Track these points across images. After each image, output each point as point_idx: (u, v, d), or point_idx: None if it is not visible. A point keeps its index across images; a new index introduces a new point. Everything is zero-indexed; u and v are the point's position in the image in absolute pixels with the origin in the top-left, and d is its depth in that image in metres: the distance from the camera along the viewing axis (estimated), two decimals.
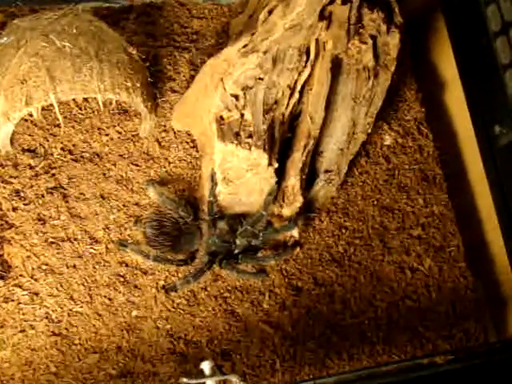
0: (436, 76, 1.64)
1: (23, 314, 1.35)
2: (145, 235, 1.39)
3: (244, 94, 1.33)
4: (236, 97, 1.33)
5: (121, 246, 1.39)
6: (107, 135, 1.47)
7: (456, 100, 1.58)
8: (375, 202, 1.54)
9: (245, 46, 1.33)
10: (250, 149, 1.32)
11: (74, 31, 1.35)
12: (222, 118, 1.33)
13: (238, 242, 1.42)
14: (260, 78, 1.34)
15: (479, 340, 1.47)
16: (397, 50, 1.41)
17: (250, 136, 1.33)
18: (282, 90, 1.36)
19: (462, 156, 1.60)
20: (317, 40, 1.35)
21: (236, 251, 1.42)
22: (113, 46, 1.38)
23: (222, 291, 1.43)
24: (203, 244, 1.41)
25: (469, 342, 1.47)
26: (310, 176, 1.45)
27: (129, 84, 1.36)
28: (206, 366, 1.18)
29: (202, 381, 1.17)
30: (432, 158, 1.60)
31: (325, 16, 1.33)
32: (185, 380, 1.17)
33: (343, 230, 1.51)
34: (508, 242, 1.44)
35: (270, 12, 1.31)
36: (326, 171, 1.46)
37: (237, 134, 1.33)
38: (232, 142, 1.32)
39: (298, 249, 1.47)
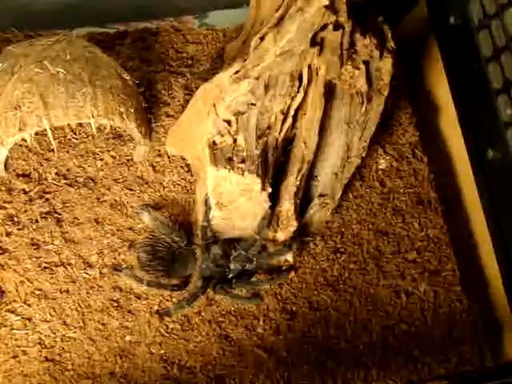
0: (430, 100, 1.65)
1: (16, 340, 1.35)
2: (139, 260, 1.39)
3: (236, 119, 1.33)
4: (228, 122, 1.34)
5: (115, 271, 1.39)
6: (101, 160, 1.48)
7: (450, 124, 1.59)
8: (370, 226, 1.54)
9: (236, 72, 1.33)
10: (242, 174, 1.32)
11: (68, 57, 1.35)
12: (214, 143, 1.33)
13: (231, 266, 1.41)
14: (252, 104, 1.34)
15: (475, 364, 1.46)
16: (390, 75, 1.41)
17: (243, 161, 1.32)
18: (274, 115, 1.36)
19: (457, 179, 1.60)
20: (309, 66, 1.35)
21: (230, 276, 1.42)
22: (107, 72, 1.38)
23: (216, 316, 1.42)
24: (197, 268, 1.41)
25: (464, 366, 1.46)
26: (304, 200, 1.45)
27: (122, 109, 1.37)
28: None
29: None
30: (427, 181, 1.60)
31: (317, 42, 1.33)
32: None
33: (338, 254, 1.51)
34: (503, 266, 1.43)
35: (262, 38, 1.32)
36: (321, 195, 1.46)
37: (230, 159, 1.33)
38: (225, 167, 1.31)
39: (292, 273, 1.47)
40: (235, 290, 1.42)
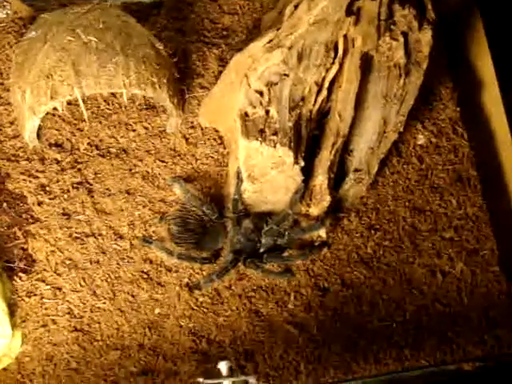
0: (472, 75, 1.60)
1: (45, 309, 1.35)
2: (169, 232, 1.37)
3: (268, 90, 1.31)
4: (260, 93, 1.31)
5: (145, 243, 1.38)
6: (134, 131, 1.46)
7: (493, 100, 1.54)
8: (406, 203, 1.51)
9: (270, 42, 1.31)
10: (274, 146, 1.30)
11: (101, 26, 1.34)
12: (246, 114, 1.31)
13: (263, 240, 1.39)
14: (285, 74, 1.31)
15: None
16: (429, 48, 1.37)
17: (275, 133, 1.30)
18: (309, 86, 1.33)
19: (498, 157, 1.55)
20: (345, 36, 1.32)
21: (261, 250, 1.40)
22: (139, 41, 1.37)
23: (246, 290, 1.41)
24: (228, 242, 1.40)
25: (501, 349, 1.43)
26: (339, 175, 1.42)
27: (155, 79, 1.35)
28: (223, 366, 1.17)
29: (218, 381, 1.15)
30: (467, 158, 1.56)
31: (353, 11, 1.30)
32: (201, 380, 1.15)
33: (373, 231, 1.48)
34: None
35: (296, 7, 1.29)
36: (356, 170, 1.43)
37: (261, 131, 1.30)
38: (256, 139, 1.29)
39: (325, 249, 1.44)
40: (266, 265, 1.40)
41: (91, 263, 1.38)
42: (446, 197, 1.52)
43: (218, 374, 1.23)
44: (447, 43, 1.60)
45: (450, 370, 1.32)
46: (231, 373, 1.18)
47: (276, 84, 1.32)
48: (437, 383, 1.36)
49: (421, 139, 1.56)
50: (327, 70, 1.33)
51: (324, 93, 1.35)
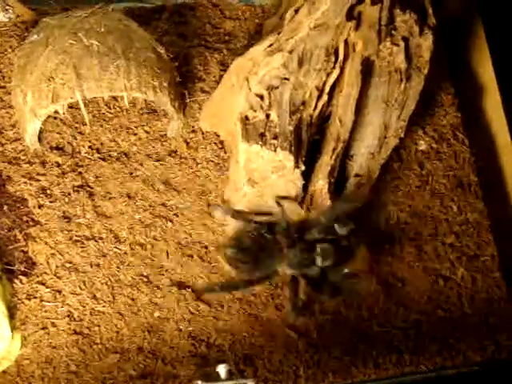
0: (473, 80, 1.60)
1: (45, 312, 1.35)
2: (225, 256, 1.35)
3: (269, 94, 1.31)
4: (261, 97, 1.32)
5: (207, 292, 1.38)
6: (135, 135, 1.47)
7: (493, 106, 1.54)
8: (407, 208, 1.51)
9: (270, 45, 1.31)
10: (275, 150, 1.30)
11: (102, 29, 1.35)
12: (247, 118, 1.32)
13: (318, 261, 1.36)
14: (286, 78, 1.32)
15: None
16: (430, 53, 1.38)
17: (276, 137, 1.30)
18: (309, 91, 1.33)
19: (499, 163, 1.55)
20: (346, 41, 1.32)
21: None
22: (141, 45, 1.37)
23: (246, 295, 1.41)
24: (284, 258, 1.36)
25: (501, 354, 1.42)
26: (340, 180, 1.42)
27: (156, 83, 1.36)
28: (221, 369, 1.17)
29: None
30: (468, 164, 1.56)
31: (353, 16, 1.30)
32: (200, 383, 1.15)
33: None
34: None
35: (297, 11, 1.30)
36: (357, 175, 1.43)
37: (262, 135, 1.31)
38: (257, 143, 1.30)
39: None
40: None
41: (91, 266, 1.39)
42: (447, 202, 1.52)
43: (216, 378, 1.23)
44: (448, 49, 1.61)
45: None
46: (230, 376, 1.18)
47: (277, 88, 1.32)
48: None
49: (422, 145, 1.56)
50: (328, 75, 1.34)
51: (324, 97, 1.35)
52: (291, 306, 1.36)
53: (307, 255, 1.35)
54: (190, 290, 1.39)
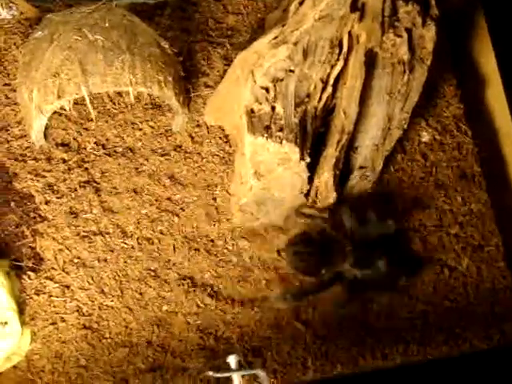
0: (476, 72, 1.61)
1: (54, 307, 1.36)
2: (289, 258, 1.37)
3: (274, 86, 1.32)
4: (266, 89, 1.32)
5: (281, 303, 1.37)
6: (140, 130, 1.47)
7: (496, 96, 1.55)
8: (412, 200, 1.51)
9: (275, 38, 1.31)
10: (280, 142, 1.30)
11: (107, 25, 1.35)
12: (252, 110, 1.32)
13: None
14: (291, 70, 1.32)
15: None
16: (433, 44, 1.38)
17: (281, 129, 1.31)
18: (314, 83, 1.34)
19: (502, 153, 1.56)
20: (350, 32, 1.33)
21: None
22: (145, 40, 1.38)
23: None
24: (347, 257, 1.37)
25: (507, 343, 1.43)
26: (344, 172, 1.43)
27: (161, 78, 1.36)
28: (232, 359, 1.17)
29: (227, 374, 1.16)
30: (471, 155, 1.56)
31: (357, 7, 1.31)
32: (210, 373, 1.16)
33: None
34: None
35: (301, 3, 1.30)
36: (361, 167, 1.44)
37: (267, 127, 1.31)
38: (262, 135, 1.30)
39: None
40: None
41: (99, 261, 1.39)
42: (451, 193, 1.53)
43: (226, 369, 1.23)
44: (451, 40, 1.61)
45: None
46: (240, 367, 1.19)
47: (282, 80, 1.32)
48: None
49: (425, 136, 1.56)
50: (332, 67, 1.34)
51: (329, 90, 1.36)
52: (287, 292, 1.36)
53: (369, 256, 1.36)
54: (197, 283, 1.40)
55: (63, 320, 1.35)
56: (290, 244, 1.37)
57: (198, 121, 1.49)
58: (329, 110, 1.40)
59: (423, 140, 1.56)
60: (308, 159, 1.33)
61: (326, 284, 1.36)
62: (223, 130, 1.49)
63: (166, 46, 1.41)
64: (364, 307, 1.43)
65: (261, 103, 1.32)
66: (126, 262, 1.40)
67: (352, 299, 1.38)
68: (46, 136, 1.42)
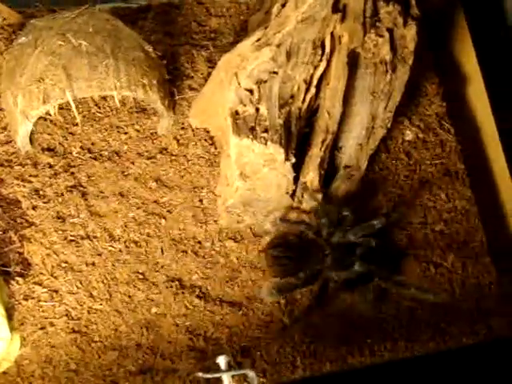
0: (457, 70, 1.63)
1: (43, 312, 1.36)
2: (268, 258, 1.38)
3: (258, 88, 1.33)
4: (250, 91, 1.33)
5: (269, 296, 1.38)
6: (126, 133, 1.48)
7: (478, 94, 1.57)
8: (396, 198, 1.52)
9: (258, 40, 1.32)
10: (265, 143, 1.31)
11: (90, 30, 1.36)
12: (237, 112, 1.33)
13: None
14: (274, 72, 1.33)
15: (503, 336, 1.44)
16: (414, 43, 1.40)
17: (266, 131, 1.32)
18: (297, 84, 1.35)
19: (485, 150, 1.58)
20: (332, 33, 1.34)
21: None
22: (129, 44, 1.38)
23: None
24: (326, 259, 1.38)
25: (493, 338, 1.45)
26: (329, 172, 1.44)
27: (145, 81, 1.37)
28: (221, 360, 1.18)
29: (217, 375, 1.16)
30: (454, 152, 1.58)
31: (339, 9, 1.32)
32: (200, 374, 1.17)
33: None
34: None
35: (284, 5, 1.31)
36: (346, 166, 1.45)
37: (252, 129, 1.32)
38: (247, 137, 1.31)
39: None
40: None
41: (87, 265, 1.39)
42: (435, 190, 1.55)
43: (216, 369, 1.24)
44: (432, 40, 1.62)
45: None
46: (229, 367, 1.19)
47: (265, 82, 1.33)
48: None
49: (408, 135, 1.58)
50: (315, 68, 1.35)
51: (312, 90, 1.37)
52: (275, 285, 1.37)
53: (348, 258, 1.38)
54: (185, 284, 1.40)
55: (52, 324, 1.35)
56: (268, 247, 1.38)
57: (183, 123, 1.50)
58: (313, 111, 1.41)
59: (407, 138, 1.58)
60: (293, 160, 1.34)
61: (311, 280, 1.37)
62: (208, 132, 1.50)
63: (150, 50, 1.41)
64: (350, 303, 1.43)
65: (245, 105, 1.33)
66: (114, 265, 1.40)
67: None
68: (31, 141, 1.42)
